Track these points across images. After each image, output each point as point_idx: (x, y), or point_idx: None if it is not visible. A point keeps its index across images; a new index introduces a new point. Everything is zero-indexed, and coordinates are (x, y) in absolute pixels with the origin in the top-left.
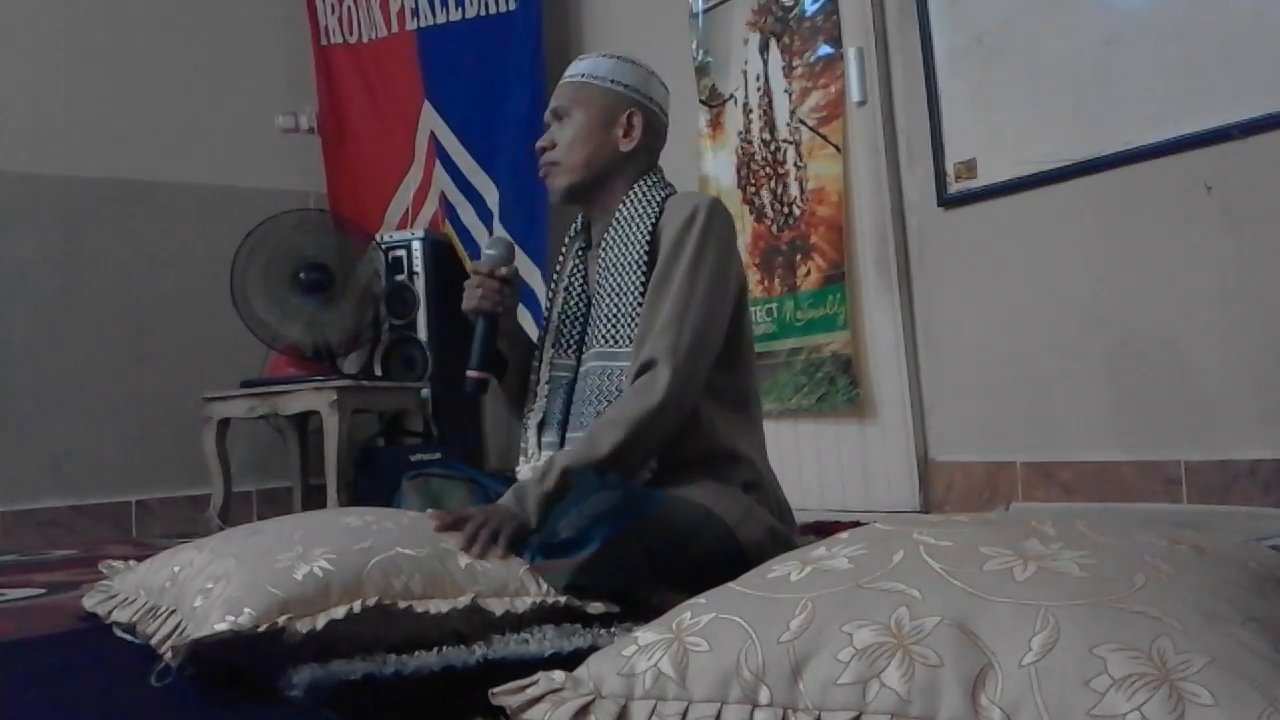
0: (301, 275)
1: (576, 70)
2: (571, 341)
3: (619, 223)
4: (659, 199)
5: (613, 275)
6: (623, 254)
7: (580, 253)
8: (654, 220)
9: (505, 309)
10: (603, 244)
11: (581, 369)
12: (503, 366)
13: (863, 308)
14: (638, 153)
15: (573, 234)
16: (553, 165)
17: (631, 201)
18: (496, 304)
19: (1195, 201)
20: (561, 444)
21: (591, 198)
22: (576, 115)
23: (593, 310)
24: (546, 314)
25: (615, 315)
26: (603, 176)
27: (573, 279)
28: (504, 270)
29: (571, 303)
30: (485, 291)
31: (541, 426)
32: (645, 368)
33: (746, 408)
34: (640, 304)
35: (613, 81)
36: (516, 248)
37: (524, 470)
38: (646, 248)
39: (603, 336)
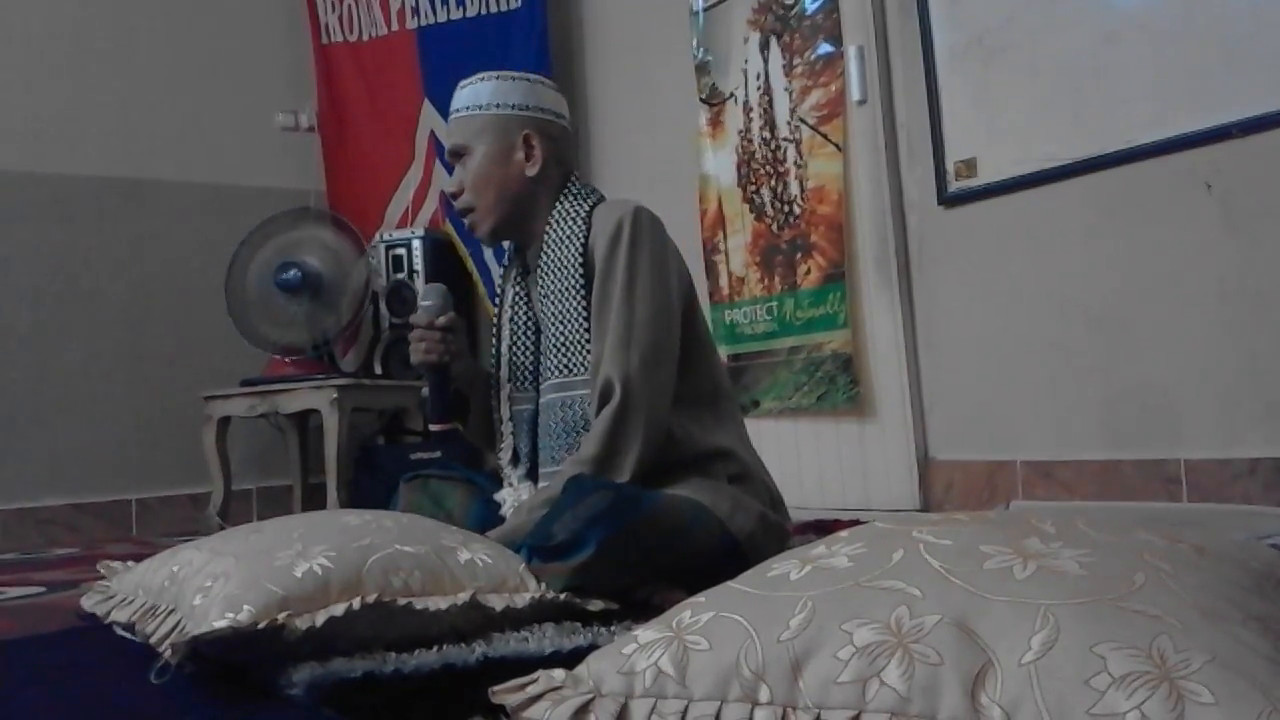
0: (285, 275)
1: (460, 103)
2: (527, 373)
3: (550, 246)
4: (584, 213)
5: (554, 302)
6: (560, 279)
7: (518, 280)
8: (583, 238)
9: (454, 356)
10: (539, 269)
11: (541, 400)
12: (466, 409)
13: (863, 306)
14: (546, 171)
15: (507, 262)
16: (470, 212)
17: (557, 222)
18: (443, 354)
19: (1195, 200)
20: (530, 477)
21: (518, 229)
22: (476, 151)
23: (542, 339)
24: (495, 348)
25: (564, 344)
26: (520, 207)
27: (516, 309)
28: (443, 319)
29: (519, 334)
30: (429, 345)
31: (515, 461)
32: (608, 392)
33: (714, 403)
34: (587, 329)
35: (499, 106)
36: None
37: (504, 493)
38: (581, 269)
39: (556, 367)
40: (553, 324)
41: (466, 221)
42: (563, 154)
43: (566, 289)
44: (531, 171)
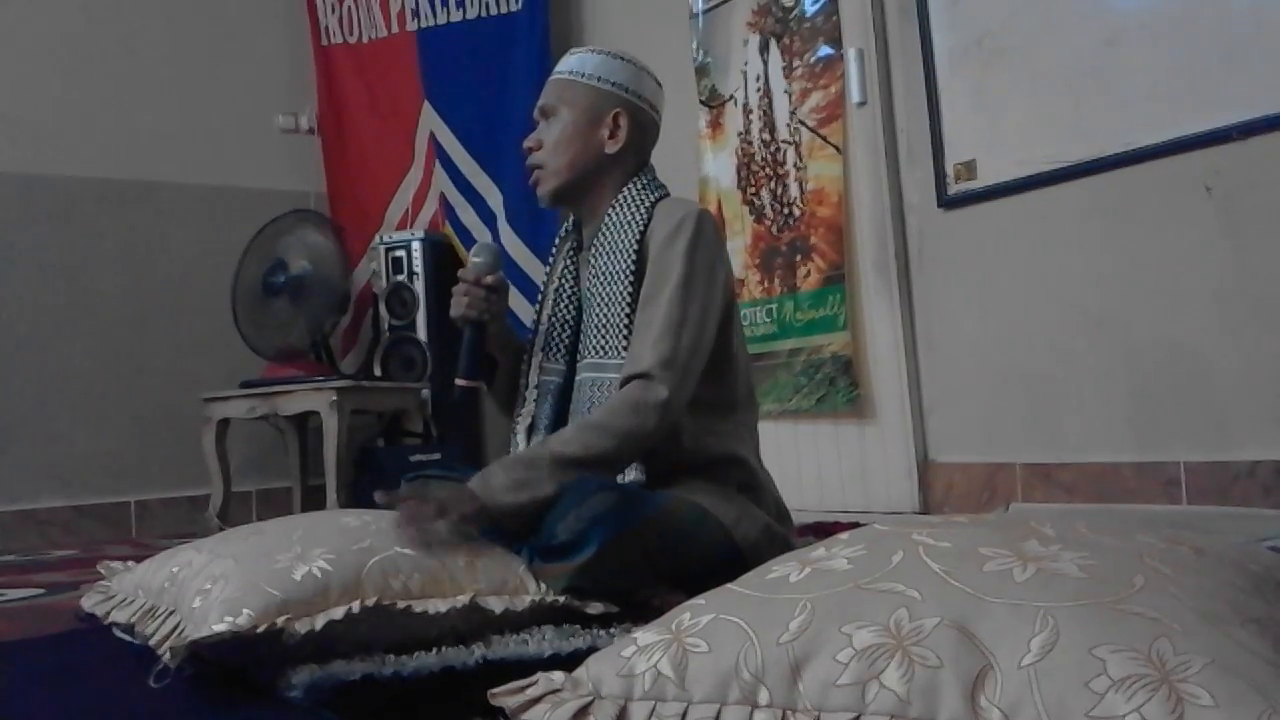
0: (271, 278)
1: (565, 67)
2: (561, 346)
3: (608, 229)
4: (648, 204)
5: (603, 284)
6: (612, 262)
7: (571, 254)
8: (642, 227)
9: (493, 316)
10: (593, 249)
11: (576, 378)
12: (492, 371)
13: (862, 308)
14: (624, 154)
15: (563, 234)
16: (538, 169)
17: (620, 207)
18: (484, 312)
19: (1194, 202)
20: None
21: (579, 200)
22: (562, 115)
23: (584, 317)
24: (537, 315)
25: (606, 325)
26: (589, 179)
27: (563, 281)
28: (490, 279)
29: (561, 307)
30: (472, 300)
31: (531, 430)
32: (639, 377)
33: (734, 412)
34: (630, 315)
35: (600, 79)
36: (525, 249)
37: None
38: (635, 256)
39: (595, 347)
40: (597, 305)
41: (532, 179)
42: (644, 143)
43: (616, 273)
44: (611, 150)
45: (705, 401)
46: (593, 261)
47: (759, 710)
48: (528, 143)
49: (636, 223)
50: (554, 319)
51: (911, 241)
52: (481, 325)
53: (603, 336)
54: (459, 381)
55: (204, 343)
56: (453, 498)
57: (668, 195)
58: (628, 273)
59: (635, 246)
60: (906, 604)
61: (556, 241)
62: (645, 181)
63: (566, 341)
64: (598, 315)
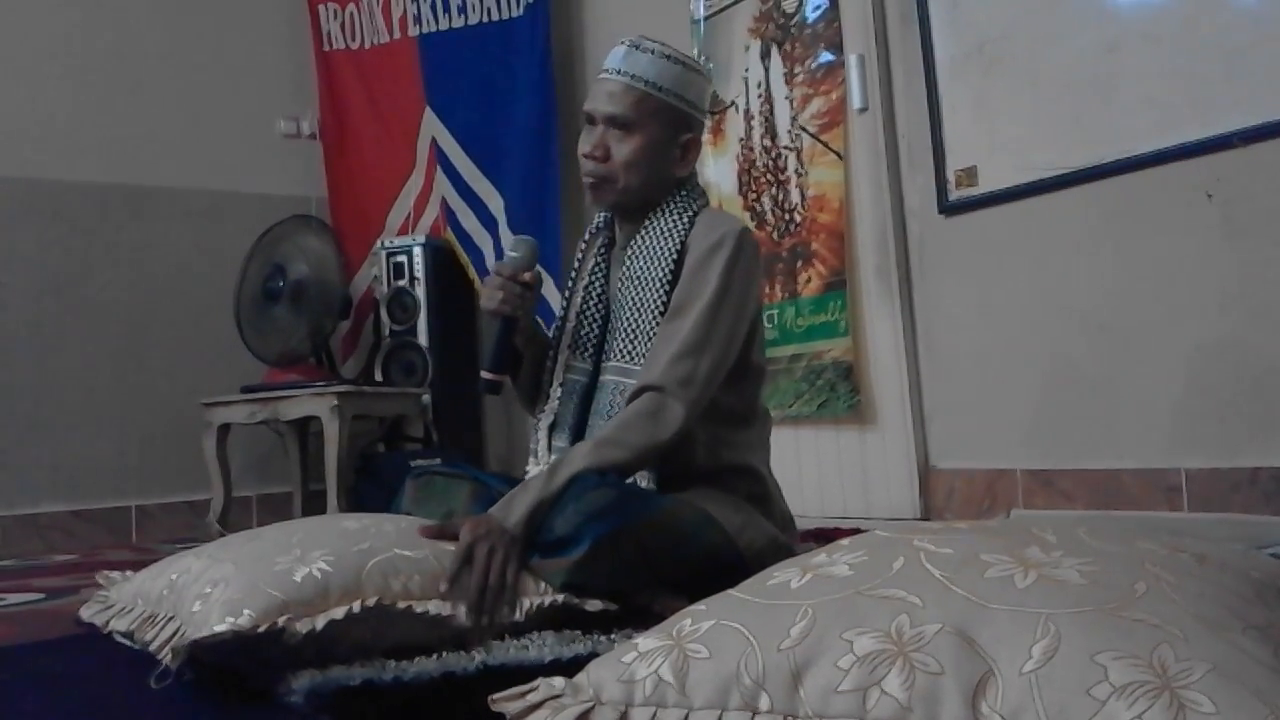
0: (270, 283)
1: (639, 70)
2: (588, 345)
3: (647, 234)
4: (691, 212)
5: (636, 288)
6: (647, 268)
7: (602, 250)
8: (682, 237)
9: (524, 311)
10: (629, 250)
11: (600, 379)
12: (517, 365)
13: (863, 314)
14: (686, 175)
15: (594, 230)
16: (605, 180)
17: (663, 213)
18: (517, 308)
19: (1196, 209)
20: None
21: (631, 210)
22: (640, 134)
23: (613, 319)
24: (564, 310)
25: (635, 331)
26: (651, 195)
27: (593, 278)
28: (527, 275)
29: (590, 305)
30: (506, 295)
31: (553, 429)
32: (654, 391)
33: (750, 423)
34: (660, 322)
35: (676, 96)
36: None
37: (532, 472)
38: (672, 265)
39: (622, 351)
40: (628, 309)
41: (591, 181)
42: (695, 161)
43: (651, 279)
44: (681, 173)
45: (723, 412)
46: (627, 263)
47: (760, 716)
48: (593, 150)
49: (678, 230)
50: (582, 316)
51: (912, 247)
52: (513, 320)
53: (631, 341)
54: (485, 373)
55: (204, 347)
56: (496, 543)
57: (708, 204)
58: (663, 280)
59: (674, 256)
60: (908, 610)
61: (587, 236)
62: (689, 189)
63: (594, 340)
64: (627, 319)
